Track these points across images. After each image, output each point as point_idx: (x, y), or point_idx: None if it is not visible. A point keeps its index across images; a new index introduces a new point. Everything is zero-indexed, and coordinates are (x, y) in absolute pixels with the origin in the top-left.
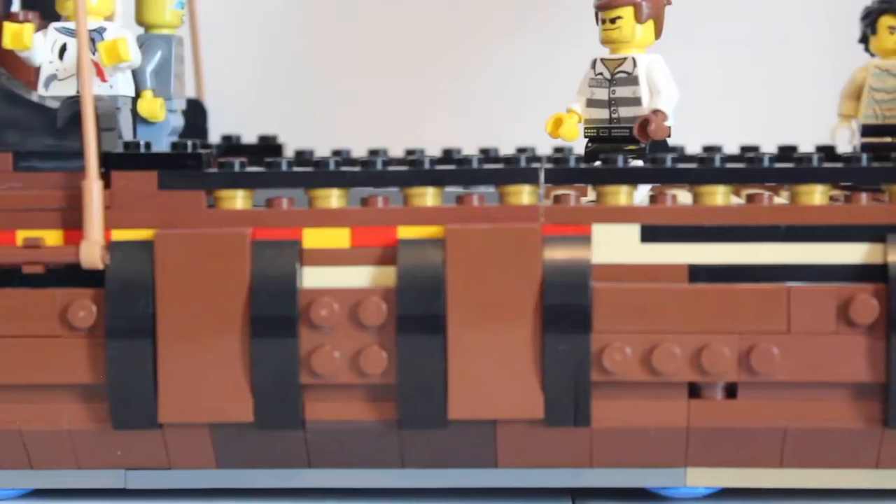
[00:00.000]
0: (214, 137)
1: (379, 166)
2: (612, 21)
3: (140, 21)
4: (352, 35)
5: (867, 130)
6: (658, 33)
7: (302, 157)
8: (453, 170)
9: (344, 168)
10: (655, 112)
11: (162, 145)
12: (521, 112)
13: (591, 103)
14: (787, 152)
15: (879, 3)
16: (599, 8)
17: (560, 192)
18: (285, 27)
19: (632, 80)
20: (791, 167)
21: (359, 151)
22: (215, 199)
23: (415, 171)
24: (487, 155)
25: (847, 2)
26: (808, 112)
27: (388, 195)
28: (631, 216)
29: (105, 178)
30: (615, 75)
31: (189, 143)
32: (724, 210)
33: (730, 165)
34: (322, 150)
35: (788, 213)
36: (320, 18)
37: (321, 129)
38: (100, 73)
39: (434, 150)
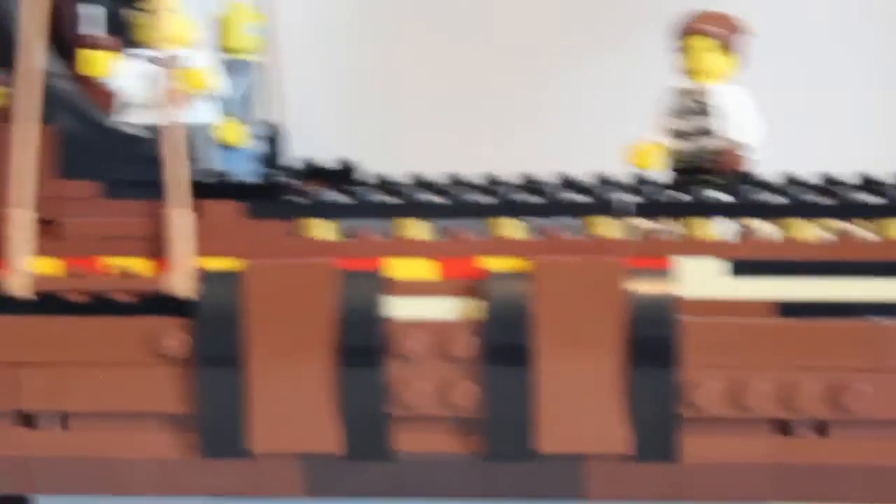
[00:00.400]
0: (295, 161)
1: (466, 196)
2: (696, 50)
3: (221, 46)
4: (429, 57)
5: None
6: (738, 64)
7: (386, 184)
8: (542, 203)
9: (429, 197)
10: (738, 145)
11: (244, 171)
12: (599, 135)
13: (674, 133)
14: (870, 183)
15: None
16: (682, 34)
17: (648, 225)
18: (365, 46)
19: (716, 111)
20: (879, 203)
21: (437, 175)
22: (303, 228)
23: (503, 203)
24: (570, 182)
25: None
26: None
27: (470, 226)
28: (719, 250)
29: (194, 206)
30: (697, 106)
31: (277, 173)
32: (813, 246)
33: (819, 200)
34: (400, 174)
35: (879, 248)
36: (400, 41)
37: (400, 152)
38: (185, 102)
39: (512, 174)
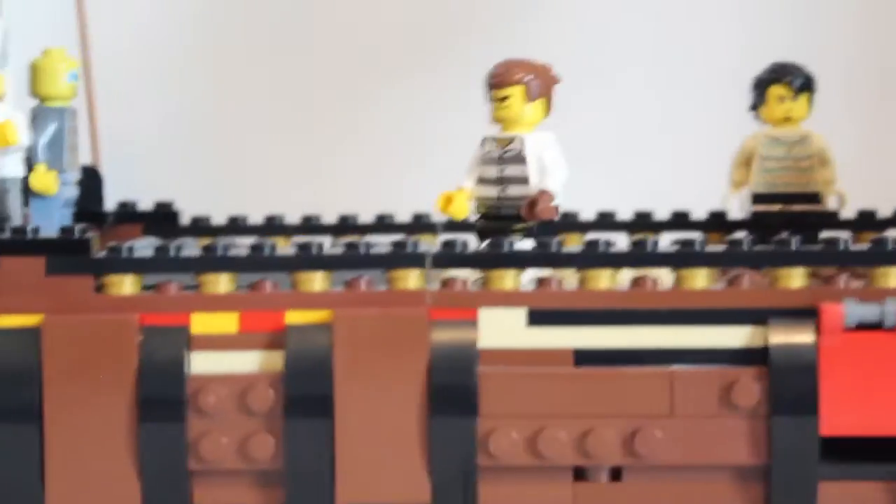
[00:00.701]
0: (111, 204)
1: (267, 251)
2: (502, 100)
3: (34, 93)
4: (249, 99)
5: (757, 198)
6: (548, 111)
7: (199, 227)
8: (341, 255)
9: (231, 254)
10: (543, 192)
11: (55, 218)
12: (420, 172)
13: (482, 181)
14: (679, 218)
15: (769, 74)
16: (490, 87)
17: (448, 275)
18: (183, 88)
19: (520, 159)
20: (675, 251)
21: (255, 213)
22: (103, 283)
23: (303, 256)
24: (382, 221)
25: (738, 69)
26: (701, 175)
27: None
28: (516, 300)
29: None
30: (504, 154)
31: (77, 227)
32: (608, 294)
33: (614, 251)
34: (219, 214)
35: (672, 297)
36: (219, 83)
37: (219, 192)
38: None
39: (332, 212)
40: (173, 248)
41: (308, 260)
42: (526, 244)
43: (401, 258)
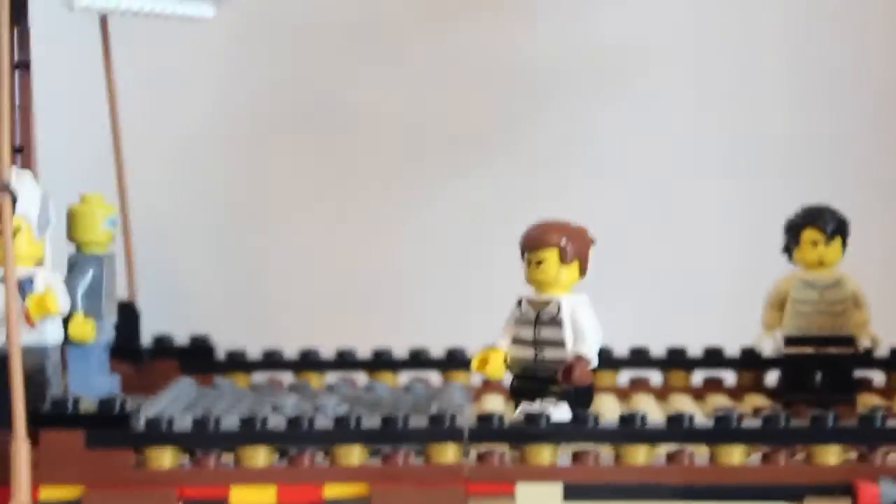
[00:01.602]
0: (147, 334)
1: (305, 425)
2: (537, 263)
3: (71, 238)
4: (279, 234)
5: (790, 341)
6: (583, 272)
7: (233, 359)
8: (379, 430)
9: (270, 427)
10: (580, 358)
11: (92, 364)
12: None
13: (517, 341)
14: (712, 355)
15: (802, 218)
16: (524, 249)
17: (485, 448)
18: (218, 222)
19: (557, 322)
20: (712, 428)
21: (290, 346)
22: (143, 455)
23: (341, 430)
24: (417, 357)
25: (770, 210)
26: (734, 312)
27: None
28: (553, 475)
29: (34, 434)
30: (540, 316)
31: (118, 399)
32: (644, 469)
33: (651, 427)
34: (255, 347)
35: (708, 473)
36: (250, 215)
37: (254, 321)
38: (28, 322)
39: (367, 342)
40: (212, 422)
41: (346, 434)
42: (562, 409)
43: (438, 433)
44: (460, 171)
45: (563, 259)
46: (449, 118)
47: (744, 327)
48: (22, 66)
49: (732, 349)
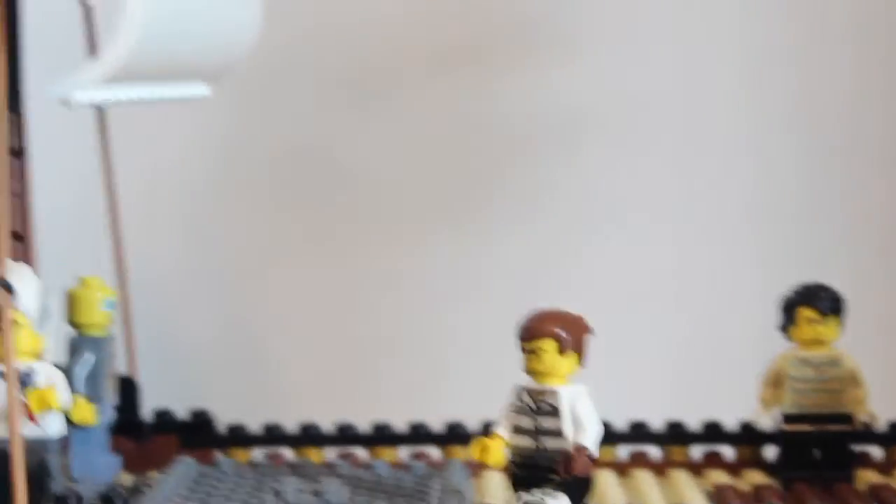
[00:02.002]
0: (147, 408)
1: None
2: (534, 352)
3: (71, 322)
4: (277, 308)
5: (788, 419)
6: (581, 361)
7: (234, 433)
8: None
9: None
10: (580, 449)
11: (94, 446)
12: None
13: (517, 430)
14: (711, 429)
15: (798, 296)
16: (521, 338)
17: None
18: (218, 300)
19: (555, 412)
20: None
21: (290, 420)
22: None
23: None
24: (417, 431)
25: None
26: (733, 387)
27: None
28: None
29: None
30: (539, 405)
31: (119, 492)
32: None
33: None
34: (255, 419)
35: None
36: (250, 291)
37: (254, 394)
38: (31, 417)
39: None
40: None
41: None
42: (561, 500)
43: None
44: (461, 231)
45: (562, 349)
46: (449, 175)
47: (744, 400)
48: (18, 153)
49: (731, 423)
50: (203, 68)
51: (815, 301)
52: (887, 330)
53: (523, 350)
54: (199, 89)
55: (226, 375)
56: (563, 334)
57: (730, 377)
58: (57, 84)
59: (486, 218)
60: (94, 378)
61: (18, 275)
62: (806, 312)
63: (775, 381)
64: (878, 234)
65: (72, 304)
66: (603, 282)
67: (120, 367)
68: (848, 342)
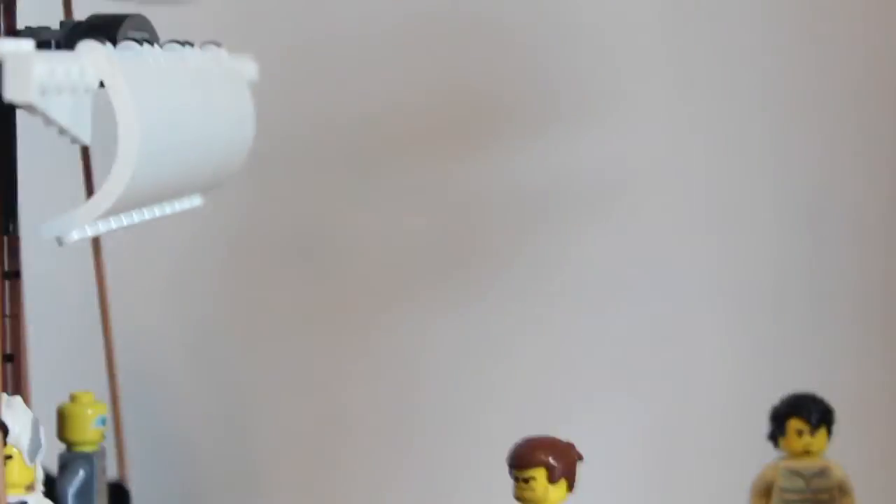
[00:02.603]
0: None
1: None
2: (525, 481)
3: (61, 438)
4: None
5: None
6: (571, 488)
7: None
8: None
9: None
10: None
11: None
12: None
13: None
14: None
15: (787, 407)
16: (511, 466)
17: None
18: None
19: None
20: None
21: None
22: None
23: None
24: None
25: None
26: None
27: None
28: None
29: None
30: None
31: None
32: None
33: None
34: None
35: None
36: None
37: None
38: None
39: None
40: None
41: None
42: None
43: None
44: (462, 311)
45: (552, 478)
46: (450, 254)
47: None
48: (12, 275)
49: None
50: (198, 185)
51: (804, 413)
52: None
53: (514, 478)
54: (192, 201)
55: (218, 468)
56: (554, 463)
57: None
58: (50, 223)
59: (488, 295)
60: (84, 494)
61: (10, 407)
62: (795, 423)
63: (765, 491)
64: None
65: (63, 421)
66: (602, 359)
67: (111, 472)
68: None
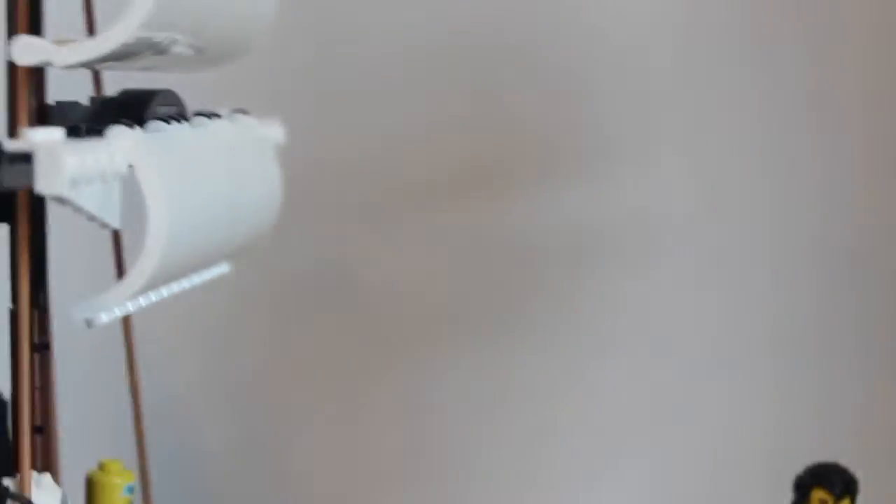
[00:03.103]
0: None
1: None
2: None
3: None
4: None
5: None
6: None
7: None
8: None
9: None
10: None
11: None
12: None
13: None
14: None
15: (811, 477)
16: None
17: None
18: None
19: None
20: None
21: None
22: None
23: None
24: None
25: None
26: None
27: None
28: None
29: None
30: None
31: None
32: None
33: None
34: None
35: None
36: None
37: None
38: None
39: None
40: None
41: None
42: None
43: None
44: (478, 353)
45: None
46: (466, 297)
47: None
48: (41, 348)
49: None
50: (226, 255)
51: (828, 483)
52: None
53: None
54: (220, 268)
55: None
56: None
57: None
58: (81, 305)
59: (504, 340)
60: None
61: (40, 487)
62: (818, 493)
63: None
64: None
65: (91, 490)
66: (615, 406)
67: None
68: None
